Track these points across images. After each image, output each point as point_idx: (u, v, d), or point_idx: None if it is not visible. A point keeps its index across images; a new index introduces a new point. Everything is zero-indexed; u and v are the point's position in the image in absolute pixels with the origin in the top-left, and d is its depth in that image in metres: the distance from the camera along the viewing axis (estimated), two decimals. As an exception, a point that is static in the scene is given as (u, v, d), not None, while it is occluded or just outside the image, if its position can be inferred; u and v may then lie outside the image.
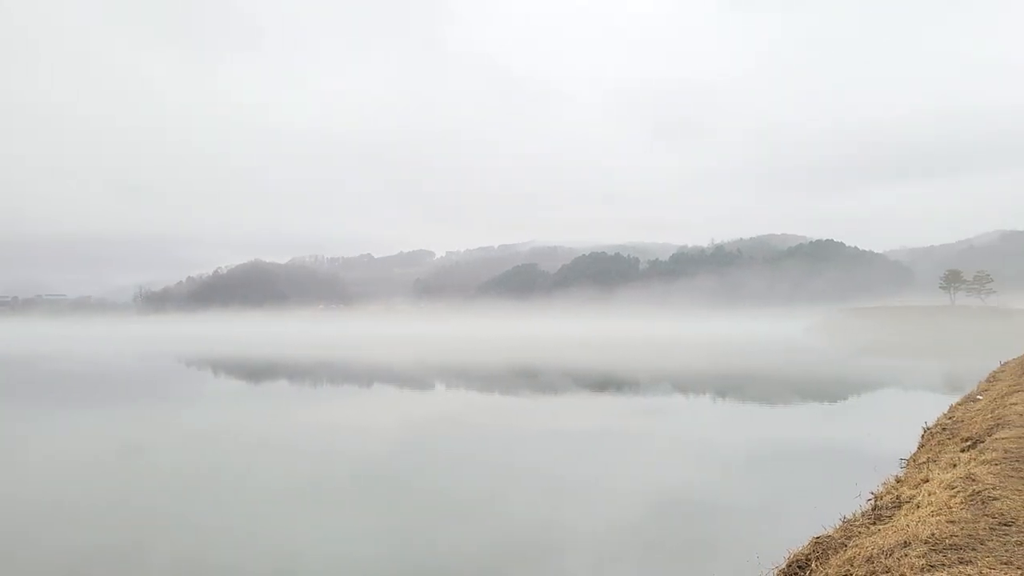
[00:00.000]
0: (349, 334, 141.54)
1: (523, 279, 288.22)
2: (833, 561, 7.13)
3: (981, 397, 20.46)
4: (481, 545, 13.00)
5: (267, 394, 41.91)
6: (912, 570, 5.47)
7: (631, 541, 13.03)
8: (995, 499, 7.21)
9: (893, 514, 8.55)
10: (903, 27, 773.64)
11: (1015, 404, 14.67)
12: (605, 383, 46.36)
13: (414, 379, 49.77)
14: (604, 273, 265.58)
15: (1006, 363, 31.91)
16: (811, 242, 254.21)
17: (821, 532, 8.50)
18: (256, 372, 57.40)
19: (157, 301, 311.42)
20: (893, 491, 10.36)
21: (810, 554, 7.74)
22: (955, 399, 23.15)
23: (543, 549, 12.76)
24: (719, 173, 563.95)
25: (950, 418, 18.00)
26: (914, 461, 13.73)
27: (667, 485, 17.21)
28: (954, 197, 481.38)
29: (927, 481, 9.57)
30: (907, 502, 8.90)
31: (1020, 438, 10.58)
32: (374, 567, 12.05)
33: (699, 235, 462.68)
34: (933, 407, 22.09)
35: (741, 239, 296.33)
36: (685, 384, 44.46)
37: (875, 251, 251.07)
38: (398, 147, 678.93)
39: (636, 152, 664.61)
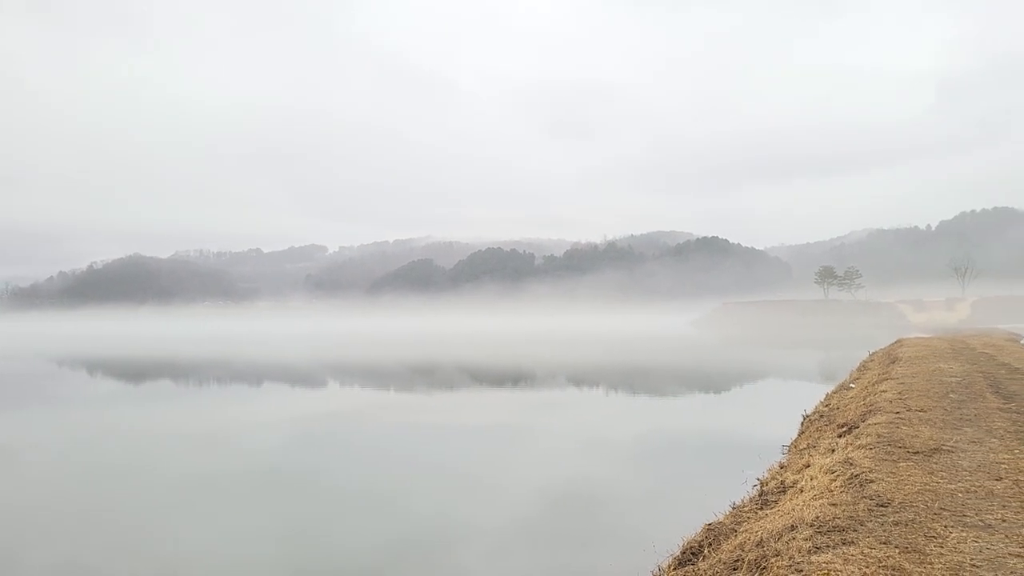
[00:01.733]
0: (238, 331, 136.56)
1: (419, 275, 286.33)
2: (725, 546, 7.37)
3: (853, 386, 21.78)
4: (377, 541, 12.77)
5: (151, 394, 39.82)
6: (800, 552, 5.71)
7: (529, 533, 13.11)
8: (872, 482, 7.64)
9: (779, 499, 8.94)
10: (783, 33, 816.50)
11: (884, 392, 15.67)
12: (502, 378, 46.62)
13: (307, 377, 48.51)
14: (500, 269, 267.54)
15: (874, 353, 34.17)
16: (698, 239, 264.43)
17: (712, 519, 8.79)
18: (139, 372, 54.42)
19: (25, 298, 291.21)
20: (777, 477, 10.85)
21: (703, 540, 7.99)
22: (830, 388, 24.57)
23: (440, 544, 12.66)
24: (611, 171, 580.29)
25: (826, 406, 19.07)
26: (795, 447, 14.45)
27: (564, 478, 17.44)
28: (828, 198, 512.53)
29: (809, 466, 10.06)
30: (791, 487, 9.32)
31: (890, 423, 11.28)
32: (268, 567, 11.63)
33: (592, 232, 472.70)
34: (811, 395, 23.37)
35: (633, 236, 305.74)
36: (580, 378, 45.28)
37: (757, 248, 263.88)
38: (288, 139, 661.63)
39: (530, 149, 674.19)
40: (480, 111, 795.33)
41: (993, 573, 5.03)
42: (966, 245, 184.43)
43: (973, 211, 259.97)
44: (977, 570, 5.09)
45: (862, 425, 11.88)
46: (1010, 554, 5.39)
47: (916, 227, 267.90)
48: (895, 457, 8.86)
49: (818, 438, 13.33)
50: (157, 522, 14.26)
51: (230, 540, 13.01)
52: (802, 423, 17.67)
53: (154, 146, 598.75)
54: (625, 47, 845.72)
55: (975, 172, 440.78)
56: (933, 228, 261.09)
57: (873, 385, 18.37)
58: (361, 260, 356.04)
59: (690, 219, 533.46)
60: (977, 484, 7.45)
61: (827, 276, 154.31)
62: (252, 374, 50.71)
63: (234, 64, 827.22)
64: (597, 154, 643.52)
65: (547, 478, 17.48)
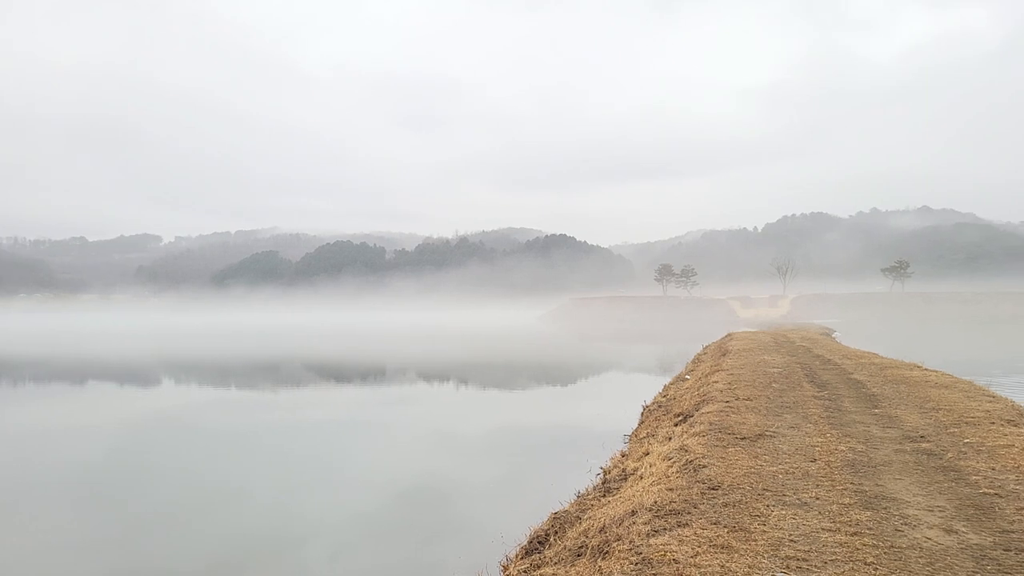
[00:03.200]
0: (62, 326, 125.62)
1: (263, 267, 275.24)
2: (570, 533, 7.60)
3: (689, 377, 23.11)
4: (213, 542, 12.16)
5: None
6: (640, 536, 5.98)
7: (376, 529, 12.95)
8: (704, 467, 8.13)
9: (621, 486, 9.33)
10: (628, 42, 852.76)
11: (716, 382, 16.72)
12: (348, 374, 45.74)
13: (139, 375, 45.37)
14: (350, 262, 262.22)
15: (707, 346, 36.44)
16: (547, 236, 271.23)
17: (559, 508, 9.05)
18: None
19: None
20: (619, 465, 11.33)
21: (549, 529, 8.20)
22: (668, 379, 25.96)
23: (281, 542, 12.24)
24: (459, 168, 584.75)
25: (664, 396, 20.12)
26: (636, 436, 15.14)
27: (413, 473, 17.35)
28: (667, 199, 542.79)
29: (648, 454, 10.57)
30: (632, 474, 9.75)
31: (721, 412, 12.06)
32: (94, 572, 10.80)
33: (442, 227, 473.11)
34: (650, 387, 24.57)
35: (484, 231, 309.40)
36: (432, 373, 45.21)
37: (602, 246, 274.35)
38: (116, 121, 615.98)
39: (378, 142, 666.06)
40: (326, 100, 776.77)
41: (808, 547, 5.51)
42: (787, 246, 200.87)
43: (794, 215, 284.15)
44: (794, 544, 5.56)
45: (696, 414, 12.60)
46: (823, 529, 5.93)
47: (745, 229, 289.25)
48: (725, 443, 9.47)
49: (657, 427, 14.04)
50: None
51: (50, 546, 11.94)
52: (642, 413, 18.53)
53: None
54: (476, 45, 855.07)
55: (796, 179, 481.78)
56: (759, 230, 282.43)
57: (706, 376, 19.54)
58: (201, 251, 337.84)
59: (538, 217, 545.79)
60: (795, 466, 8.12)
61: (666, 274, 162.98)
62: (76, 373, 46.79)
63: (48, 28, 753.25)
64: (445, 151, 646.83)
65: (395, 474, 17.34)
